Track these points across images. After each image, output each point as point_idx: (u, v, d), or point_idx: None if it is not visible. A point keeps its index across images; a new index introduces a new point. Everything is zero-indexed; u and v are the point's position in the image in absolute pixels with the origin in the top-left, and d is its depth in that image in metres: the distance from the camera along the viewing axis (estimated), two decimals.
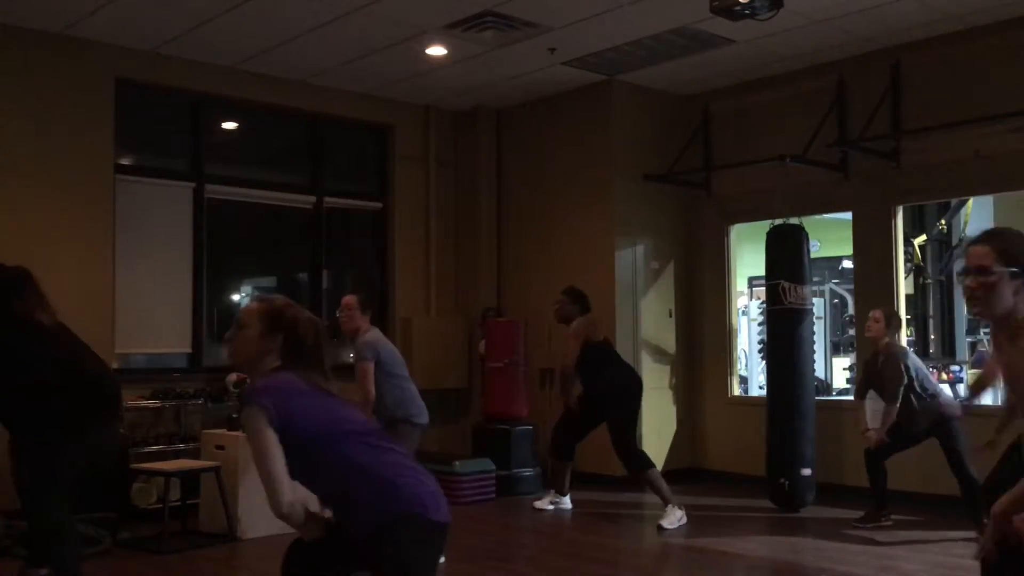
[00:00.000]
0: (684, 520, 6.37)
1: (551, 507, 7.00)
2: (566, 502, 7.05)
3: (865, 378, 6.50)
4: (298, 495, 2.69)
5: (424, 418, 5.60)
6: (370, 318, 5.71)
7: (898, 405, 6.08)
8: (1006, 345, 2.54)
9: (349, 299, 5.68)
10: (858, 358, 7.65)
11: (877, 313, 6.31)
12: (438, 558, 2.85)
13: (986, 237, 2.60)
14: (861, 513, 6.36)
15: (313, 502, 2.80)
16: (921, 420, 6.09)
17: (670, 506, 6.38)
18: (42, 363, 4.11)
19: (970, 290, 2.54)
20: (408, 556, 2.69)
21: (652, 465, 6.58)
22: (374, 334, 5.65)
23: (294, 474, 2.68)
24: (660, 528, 6.27)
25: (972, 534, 5.63)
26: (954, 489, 6.04)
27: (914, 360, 6.29)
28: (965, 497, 5.89)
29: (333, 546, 2.80)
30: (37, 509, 4.14)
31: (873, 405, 6.42)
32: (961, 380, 8.43)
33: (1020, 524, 2.43)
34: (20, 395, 4.09)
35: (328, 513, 2.82)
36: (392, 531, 2.67)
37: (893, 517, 6.29)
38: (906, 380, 6.09)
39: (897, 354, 6.18)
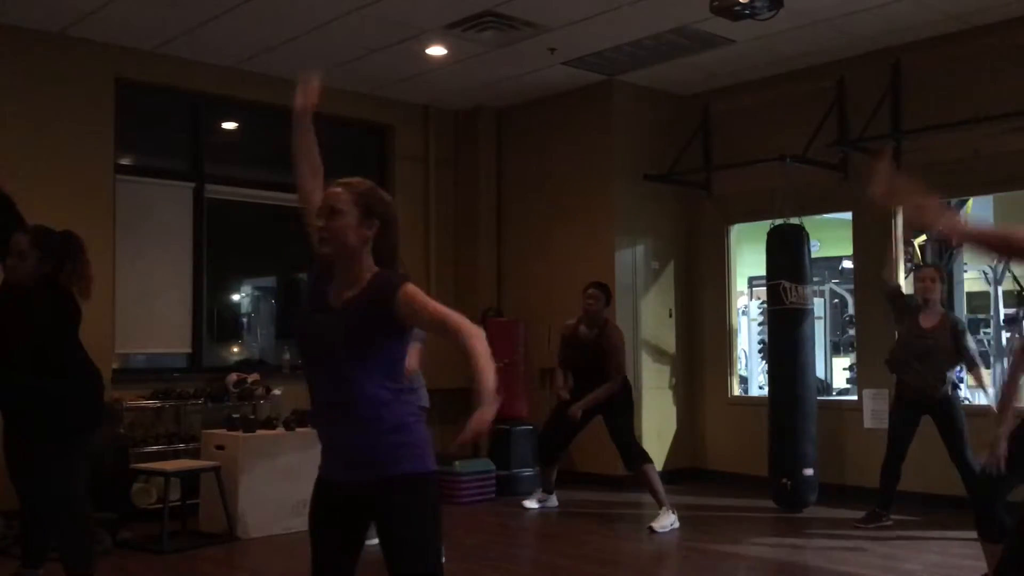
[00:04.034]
0: (676, 525, 6.32)
1: (538, 506, 6.99)
2: (552, 500, 7.05)
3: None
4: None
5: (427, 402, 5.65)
6: None
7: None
8: None
9: None
10: (858, 357, 7.65)
11: (931, 271, 6.16)
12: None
13: None
14: (863, 513, 6.36)
15: None
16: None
17: (664, 508, 6.38)
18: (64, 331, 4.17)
19: None
20: (427, 511, 2.54)
21: (651, 460, 6.58)
22: None
23: (367, 369, 2.47)
24: (651, 530, 6.25)
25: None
26: (954, 489, 6.02)
27: None
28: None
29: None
30: (70, 489, 4.17)
31: (874, 404, 6.39)
32: (961, 380, 8.38)
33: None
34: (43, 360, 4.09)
35: None
36: (420, 483, 2.53)
37: (893, 517, 6.28)
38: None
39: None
